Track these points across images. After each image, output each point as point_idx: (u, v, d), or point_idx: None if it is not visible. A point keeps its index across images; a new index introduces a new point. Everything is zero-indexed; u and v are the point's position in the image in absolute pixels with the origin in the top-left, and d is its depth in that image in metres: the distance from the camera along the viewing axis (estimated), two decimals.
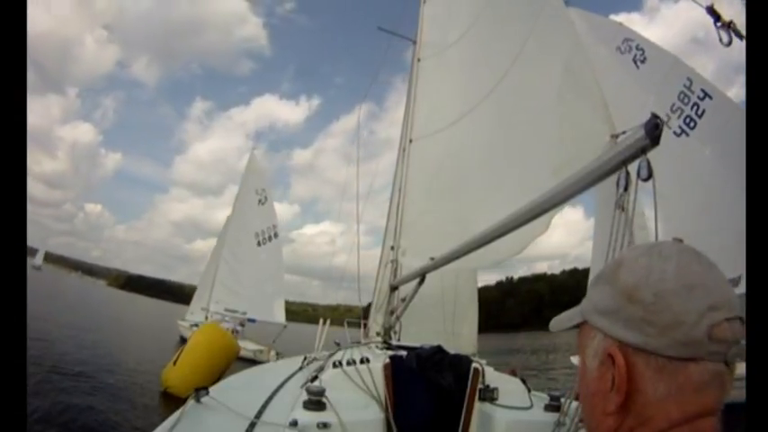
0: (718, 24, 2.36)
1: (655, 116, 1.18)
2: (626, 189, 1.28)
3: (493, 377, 2.07)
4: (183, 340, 12.55)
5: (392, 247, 4.03)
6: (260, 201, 15.00)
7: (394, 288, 3.72)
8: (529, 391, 2.11)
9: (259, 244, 14.40)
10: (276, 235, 14.52)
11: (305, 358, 2.93)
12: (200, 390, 1.70)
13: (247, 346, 11.63)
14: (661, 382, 0.42)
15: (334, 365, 2.09)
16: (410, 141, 4.25)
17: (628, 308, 0.45)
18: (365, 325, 5.39)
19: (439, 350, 2.26)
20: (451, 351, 2.30)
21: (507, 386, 2.06)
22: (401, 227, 3.95)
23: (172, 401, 5.91)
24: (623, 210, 1.29)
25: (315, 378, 1.98)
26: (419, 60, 4.52)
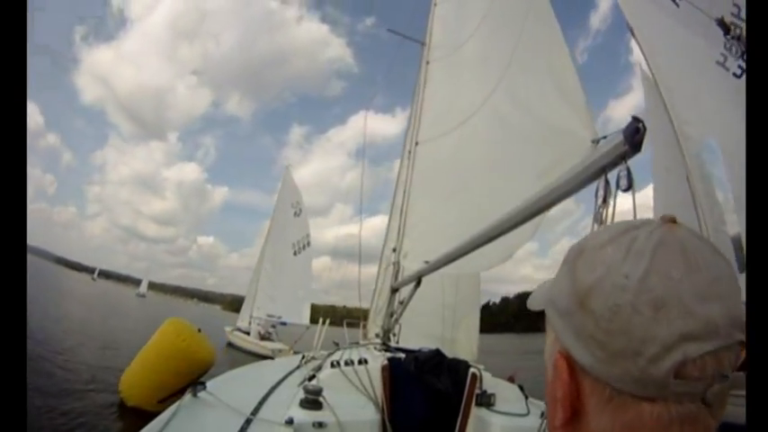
0: (728, 36, 2.35)
1: (635, 119, 1.07)
2: (605, 200, 1.16)
3: (491, 383, 2.06)
4: (230, 345, 14.33)
5: (394, 249, 4.04)
6: (295, 213, 16.16)
7: (394, 290, 3.72)
8: (526, 398, 2.10)
9: (295, 253, 15.47)
10: (309, 244, 15.54)
11: (303, 357, 2.93)
12: (198, 384, 1.71)
13: (268, 346, 12.66)
14: (605, 414, 0.33)
15: (332, 365, 2.09)
16: (416, 144, 4.26)
17: (578, 315, 0.34)
18: (364, 326, 5.40)
19: (437, 354, 2.26)
20: (450, 356, 2.30)
21: (505, 392, 2.05)
22: (404, 229, 3.95)
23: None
24: (602, 224, 1.14)
25: (312, 377, 1.97)
26: (428, 63, 4.53)
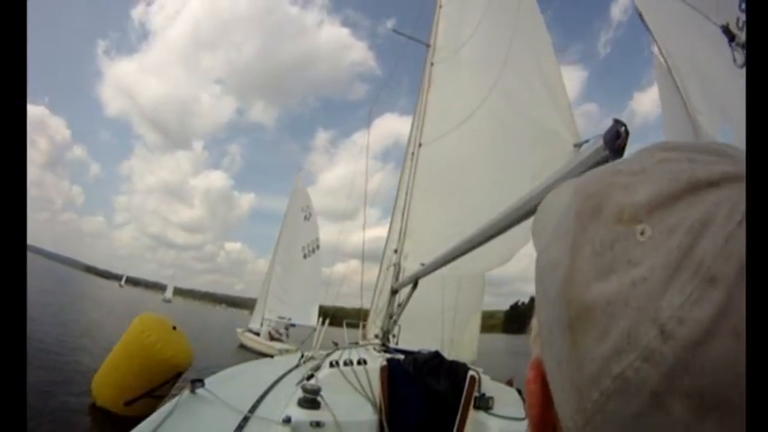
0: (733, 44, 2.34)
1: (617, 122, 1.02)
2: None
3: (489, 386, 2.06)
4: (242, 346, 14.70)
5: (395, 251, 4.04)
6: (305, 217, 16.58)
7: (394, 291, 3.72)
8: (524, 401, 2.09)
9: (305, 257, 15.86)
10: (318, 247, 15.93)
11: (302, 356, 2.93)
12: (196, 381, 1.71)
13: (275, 346, 12.66)
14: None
15: (331, 365, 2.08)
16: (419, 146, 4.27)
17: (539, 290, 0.25)
18: (364, 326, 5.40)
19: (436, 356, 2.25)
20: (450, 358, 2.29)
21: (503, 396, 2.05)
22: (405, 230, 3.96)
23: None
24: None
25: (311, 376, 1.97)
26: (432, 65, 4.55)
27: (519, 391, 2.20)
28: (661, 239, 0.19)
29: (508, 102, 2.66)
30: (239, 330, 16.28)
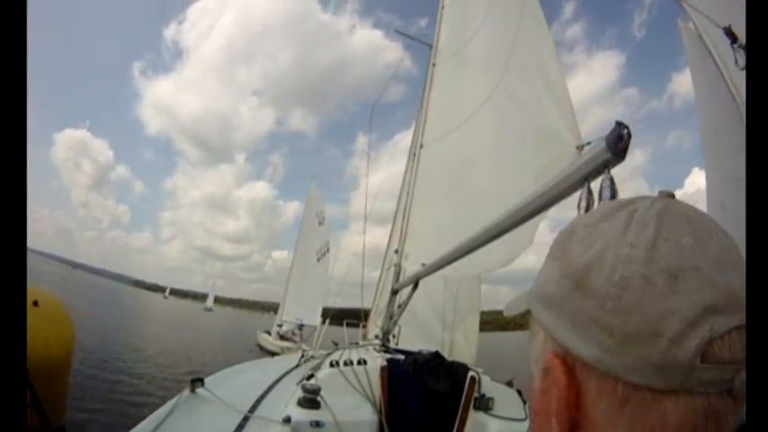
0: (735, 46, 2.34)
1: (619, 125, 0.99)
2: (587, 211, 1.04)
3: (489, 387, 2.06)
4: (258, 346, 16.04)
5: (396, 251, 4.04)
6: (319, 222, 17.68)
7: (395, 292, 3.72)
8: (524, 402, 2.09)
9: (318, 260, 16.75)
10: (329, 250, 16.72)
11: (302, 356, 2.93)
12: (196, 380, 1.71)
13: (279, 344, 14.25)
14: (619, 421, 0.27)
15: (331, 365, 2.08)
16: (421, 146, 4.27)
17: (575, 300, 0.29)
18: (364, 326, 5.40)
19: (436, 356, 2.26)
20: (450, 358, 2.29)
21: (503, 397, 2.04)
22: (406, 231, 3.96)
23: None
24: None
25: (311, 376, 1.97)
26: (434, 65, 4.55)
27: (519, 392, 2.19)
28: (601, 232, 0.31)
29: (510, 103, 2.66)
30: (259, 332, 18.28)
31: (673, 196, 0.31)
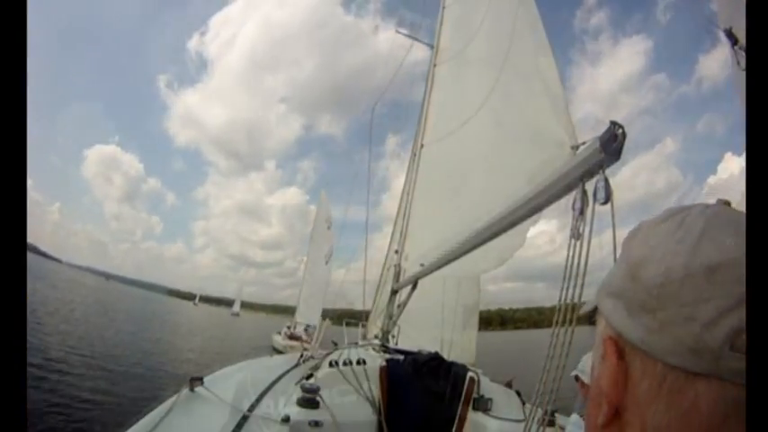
0: (736, 47, 2.33)
1: (614, 124, 0.99)
2: (582, 213, 1.07)
3: (488, 388, 2.06)
4: (274, 349, 16.49)
5: (396, 251, 4.04)
6: (328, 227, 18.73)
7: (395, 291, 3.72)
8: (523, 403, 2.09)
9: (327, 262, 17.58)
10: (332, 254, 17.69)
11: (302, 355, 2.93)
12: (195, 379, 1.71)
13: (285, 343, 15.72)
14: (659, 400, 0.30)
15: (331, 365, 2.08)
16: (421, 147, 4.27)
17: (630, 288, 0.34)
18: (364, 326, 5.39)
19: (436, 356, 2.25)
20: (449, 358, 2.29)
21: (502, 398, 2.04)
22: (406, 231, 3.96)
23: None
24: (579, 238, 1.04)
25: (310, 376, 1.97)
26: (435, 66, 4.55)
27: (518, 393, 2.19)
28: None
29: (507, 104, 2.66)
30: (273, 334, 19.90)
31: (729, 204, 0.35)
